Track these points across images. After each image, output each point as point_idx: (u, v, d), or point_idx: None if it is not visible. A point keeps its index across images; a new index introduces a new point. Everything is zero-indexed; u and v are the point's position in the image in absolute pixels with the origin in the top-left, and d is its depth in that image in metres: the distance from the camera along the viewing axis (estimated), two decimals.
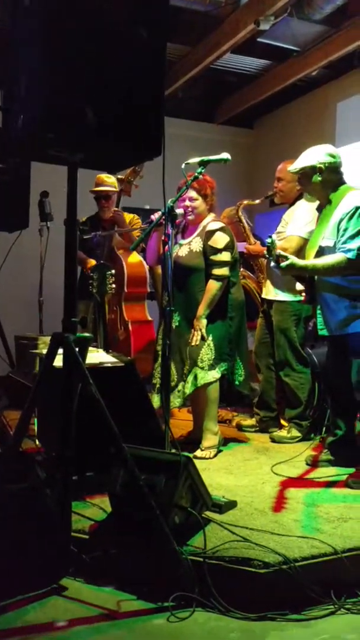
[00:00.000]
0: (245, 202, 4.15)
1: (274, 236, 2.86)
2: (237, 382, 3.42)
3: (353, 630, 1.90)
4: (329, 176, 2.92)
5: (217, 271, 3.29)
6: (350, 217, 2.79)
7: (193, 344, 3.26)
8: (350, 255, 2.75)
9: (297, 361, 3.69)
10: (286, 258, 2.75)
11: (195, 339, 3.26)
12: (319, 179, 2.92)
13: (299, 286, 3.21)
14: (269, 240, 2.79)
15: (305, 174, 2.97)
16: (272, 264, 2.82)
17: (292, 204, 3.76)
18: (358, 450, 2.97)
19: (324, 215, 2.95)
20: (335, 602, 2.00)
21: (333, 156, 2.95)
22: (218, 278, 3.28)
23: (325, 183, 2.93)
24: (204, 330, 3.26)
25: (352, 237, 2.78)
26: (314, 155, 2.96)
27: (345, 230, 2.79)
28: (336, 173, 2.96)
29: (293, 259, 2.77)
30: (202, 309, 3.27)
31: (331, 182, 2.94)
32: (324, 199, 2.98)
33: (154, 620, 1.92)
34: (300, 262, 2.81)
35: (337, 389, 3.12)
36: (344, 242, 2.78)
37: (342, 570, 2.08)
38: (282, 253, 2.78)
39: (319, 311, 3.02)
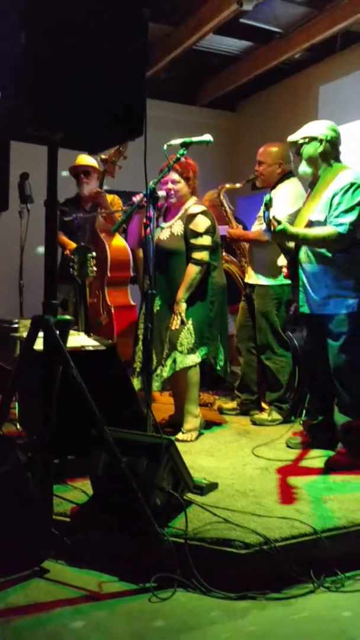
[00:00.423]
0: (227, 185, 4.13)
1: (271, 195, 2.83)
2: (217, 367, 3.43)
3: (332, 607, 1.94)
4: (328, 149, 2.93)
5: (196, 255, 3.28)
6: (345, 192, 2.80)
7: (173, 328, 3.26)
8: (341, 229, 2.77)
9: (278, 345, 3.71)
10: (279, 222, 2.74)
11: (175, 323, 3.25)
12: (319, 150, 2.93)
13: (281, 261, 3.18)
14: (267, 197, 2.75)
15: (305, 144, 2.95)
16: (264, 227, 2.79)
17: (273, 187, 3.75)
18: (336, 432, 2.99)
19: (315, 191, 2.94)
20: (315, 581, 2.03)
21: (334, 131, 2.97)
22: (197, 262, 3.27)
23: (323, 155, 2.93)
24: (183, 315, 3.26)
25: (345, 212, 2.79)
26: (317, 128, 2.97)
27: (339, 204, 2.80)
28: (335, 148, 2.97)
29: (286, 225, 2.76)
30: (181, 293, 3.27)
31: (329, 156, 2.94)
32: (316, 173, 2.96)
33: (135, 600, 1.93)
34: (292, 228, 2.80)
35: (314, 370, 3.13)
36: (337, 216, 2.79)
37: (321, 549, 2.12)
38: (277, 217, 2.76)
39: (301, 289, 3.02)
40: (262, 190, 4.01)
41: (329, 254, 2.86)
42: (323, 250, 2.87)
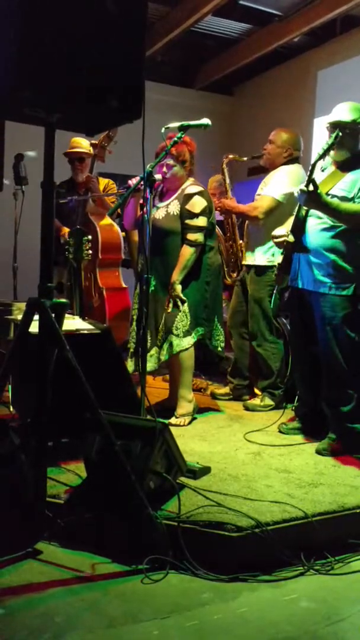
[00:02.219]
0: (231, 156, 4.10)
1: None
2: (219, 349, 3.43)
3: (321, 589, 1.97)
4: None
5: (191, 236, 3.26)
6: None
7: (169, 310, 3.25)
8: None
9: (269, 332, 3.73)
10: (317, 187, 2.70)
11: (171, 305, 3.25)
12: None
13: (278, 231, 3.08)
14: (325, 144, 2.71)
15: (351, 127, 2.88)
16: (301, 186, 2.74)
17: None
18: (326, 418, 3.02)
19: (333, 173, 2.89)
20: (305, 563, 2.06)
21: None
22: (192, 244, 3.26)
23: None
24: (181, 296, 3.25)
25: None
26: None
27: None
28: None
29: (322, 193, 2.72)
30: (175, 275, 3.26)
31: None
32: (346, 157, 2.91)
33: (128, 582, 1.95)
34: (326, 197, 2.76)
35: (301, 354, 3.12)
36: None
37: (312, 533, 2.15)
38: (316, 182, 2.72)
39: (299, 261, 2.97)
40: (258, 175, 4.01)
41: (342, 233, 2.82)
42: (341, 226, 2.82)
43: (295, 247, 2.95)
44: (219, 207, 3.95)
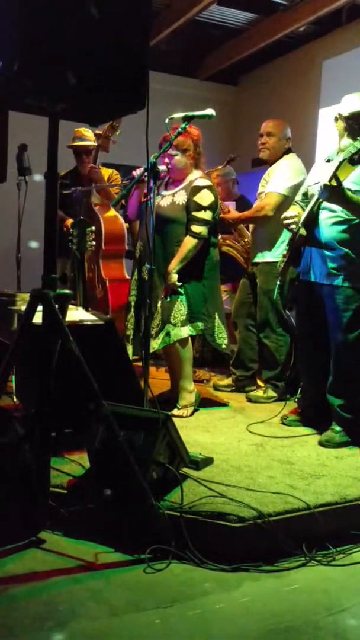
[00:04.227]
0: (220, 167, 4.10)
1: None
2: (223, 346, 3.42)
3: (322, 580, 1.98)
4: None
5: (196, 228, 3.25)
6: None
7: (167, 300, 3.24)
8: None
9: (277, 323, 3.73)
10: (340, 182, 2.68)
11: (168, 295, 3.23)
12: None
13: (288, 212, 3.04)
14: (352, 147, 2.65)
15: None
16: (324, 181, 2.71)
17: (274, 162, 3.74)
18: (329, 410, 3.02)
19: (342, 166, 2.83)
20: (307, 554, 2.07)
21: None
22: (196, 235, 3.25)
23: None
24: (177, 285, 3.23)
25: None
26: None
27: None
28: None
29: (344, 188, 2.70)
30: (174, 264, 3.23)
31: None
32: (357, 149, 2.86)
33: (131, 571, 1.96)
34: (349, 192, 2.73)
35: (310, 348, 3.12)
36: None
37: (314, 524, 2.16)
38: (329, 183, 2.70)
39: (310, 254, 2.95)
40: (262, 167, 3.98)
41: (355, 226, 2.81)
42: (354, 220, 2.80)
43: (307, 241, 2.93)
44: (227, 223, 3.91)
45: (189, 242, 3.24)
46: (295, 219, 2.97)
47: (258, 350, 3.90)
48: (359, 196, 2.79)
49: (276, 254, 3.66)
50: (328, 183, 2.69)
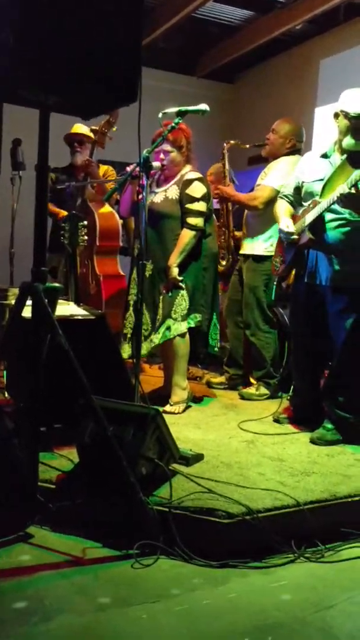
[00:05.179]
0: (232, 141, 4.07)
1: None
2: (216, 348, 3.46)
3: (310, 576, 1.98)
4: None
5: (192, 220, 3.25)
6: None
7: (168, 294, 3.24)
8: None
9: (263, 321, 3.73)
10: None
11: (169, 290, 3.23)
12: None
13: (286, 227, 3.00)
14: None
15: None
16: (345, 188, 2.64)
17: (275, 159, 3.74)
18: (321, 409, 3.02)
19: (343, 166, 2.80)
20: (295, 551, 2.07)
21: None
22: (192, 227, 3.25)
23: None
24: (178, 279, 3.23)
25: None
26: None
27: None
28: None
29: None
30: (174, 258, 3.24)
31: None
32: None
33: (118, 566, 1.96)
34: None
35: (308, 349, 3.11)
36: None
37: (303, 521, 2.15)
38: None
39: (317, 259, 2.92)
40: (259, 164, 3.98)
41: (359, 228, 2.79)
42: (359, 220, 2.78)
43: (313, 244, 2.91)
44: (217, 193, 3.93)
45: (186, 235, 3.24)
46: (295, 235, 2.96)
47: (244, 349, 3.89)
48: None
49: (264, 247, 3.67)
50: (351, 191, 2.62)
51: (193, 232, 3.25)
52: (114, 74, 1.91)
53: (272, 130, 3.74)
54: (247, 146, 4.05)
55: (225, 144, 4.05)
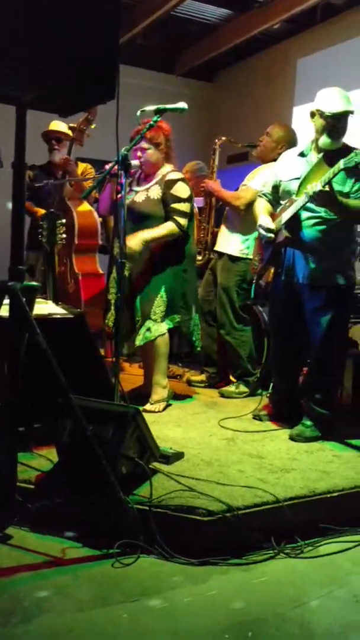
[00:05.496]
0: (224, 138, 4.07)
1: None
2: (198, 348, 3.44)
3: (290, 572, 1.99)
4: None
5: (180, 220, 3.23)
6: None
7: (147, 295, 3.21)
8: None
9: (237, 320, 3.74)
10: (332, 188, 2.66)
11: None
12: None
13: (265, 222, 3.00)
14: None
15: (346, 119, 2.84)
16: (318, 187, 2.65)
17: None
18: (301, 406, 3.05)
19: (319, 165, 2.81)
20: (275, 547, 2.08)
21: None
22: (179, 225, 3.22)
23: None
24: (134, 249, 3.12)
25: None
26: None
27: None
28: None
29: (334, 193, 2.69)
30: (147, 234, 3.16)
31: None
32: (336, 147, 2.84)
33: (99, 566, 1.95)
34: (340, 197, 2.72)
35: (287, 347, 3.13)
36: None
37: (283, 517, 2.17)
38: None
39: (293, 257, 2.94)
40: (238, 163, 3.99)
41: (335, 225, 2.82)
42: (333, 220, 2.80)
43: (290, 242, 2.93)
44: (203, 187, 3.93)
45: (170, 226, 3.21)
46: (272, 233, 2.96)
47: (219, 347, 3.90)
48: (353, 200, 2.79)
49: (240, 248, 3.68)
50: (324, 189, 2.64)
51: (177, 230, 3.22)
52: (91, 71, 1.90)
53: (266, 133, 3.74)
54: (240, 145, 4.05)
55: (217, 140, 4.05)
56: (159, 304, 3.23)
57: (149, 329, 3.22)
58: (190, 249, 3.37)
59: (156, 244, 3.21)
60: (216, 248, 3.89)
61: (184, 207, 3.25)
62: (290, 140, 3.70)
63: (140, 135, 2.86)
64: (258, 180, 3.63)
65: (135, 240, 3.15)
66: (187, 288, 3.35)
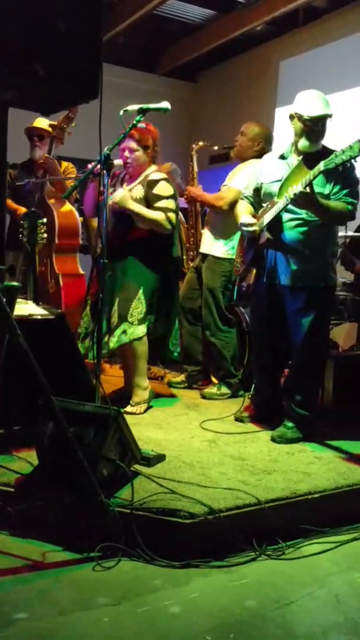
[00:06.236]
0: (201, 143, 4.07)
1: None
2: (175, 354, 3.42)
3: (271, 574, 2.00)
4: None
5: (169, 214, 3.20)
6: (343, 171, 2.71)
7: (124, 296, 3.19)
8: (350, 206, 2.80)
9: (222, 321, 3.75)
10: (313, 190, 2.66)
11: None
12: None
13: (246, 219, 3.02)
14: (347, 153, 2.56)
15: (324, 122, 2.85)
16: (299, 188, 2.67)
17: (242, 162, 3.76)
18: (282, 408, 3.06)
19: (299, 168, 2.81)
20: (257, 549, 2.08)
21: None
22: (169, 219, 3.19)
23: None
24: (131, 205, 3.12)
25: (350, 191, 2.81)
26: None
27: (338, 183, 2.81)
28: None
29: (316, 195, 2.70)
30: (138, 206, 3.14)
31: None
32: (315, 150, 2.86)
33: (79, 569, 1.94)
34: (321, 199, 2.73)
35: (269, 349, 3.14)
36: (346, 194, 2.81)
37: (264, 519, 2.17)
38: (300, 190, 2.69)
39: (274, 259, 2.95)
40: (220, 164, 4.00)
41: (316, 227, 2.83)
42: (314, 221, 2.82)
43: (271, 243, 2.93)
44: (186, 195, 3.93)
45: (160, 216, 3.17)
46: (255, 227, 2.97)
47: (203, 347, 3.91)
48: (334, 202, 2.80)
49: (224, 250, 3.69)
50: (304, 190, 2.65)
51: (166, 222, 3.17)
52: (74, 69, 1.88)
53: (240, 133, 3.75)
54: (216, 148, 4.05)
55: (194, 146, 4.05)
56: (137, 305, 3.19)
57: (124, 332, 3.18)
58: (173, 254, 3.35)
59: (137, 238, 3.19)
60: (201, 250, 3.88)
61: (168, 203, 3.22)
62: (265, 137, 3.72)
63: (124, 134, 2.84)
64: (239, 179, 3.64)
65: (123, 198, 3.12)
66: (166, 290, 3.33)
